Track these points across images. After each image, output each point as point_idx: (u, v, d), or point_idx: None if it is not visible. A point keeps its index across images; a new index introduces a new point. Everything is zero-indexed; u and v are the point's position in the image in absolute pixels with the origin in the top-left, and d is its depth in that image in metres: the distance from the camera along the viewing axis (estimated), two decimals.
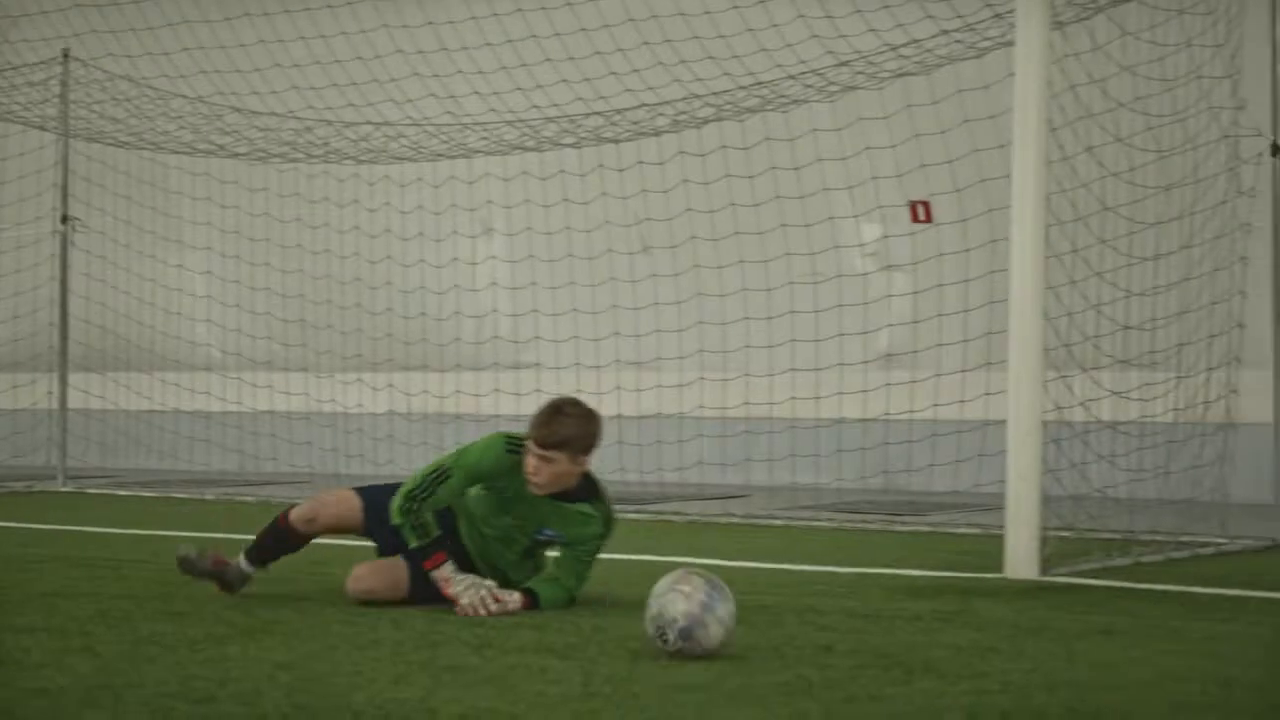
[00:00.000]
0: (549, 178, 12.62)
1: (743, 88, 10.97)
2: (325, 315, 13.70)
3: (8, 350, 15.79)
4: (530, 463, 6.77)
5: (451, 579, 6.84)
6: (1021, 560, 8.13)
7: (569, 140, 11.93)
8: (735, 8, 10.94)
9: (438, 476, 6.83)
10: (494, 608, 6.73)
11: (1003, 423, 8.18)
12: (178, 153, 13.70)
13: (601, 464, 12.14)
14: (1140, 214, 9.71)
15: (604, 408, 12.18)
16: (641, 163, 12.21)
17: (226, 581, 7.18)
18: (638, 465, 12.43)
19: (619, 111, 11.50)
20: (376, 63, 12.30)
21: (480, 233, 13.19)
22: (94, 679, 5.32)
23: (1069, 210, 9.03)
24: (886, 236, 12.03)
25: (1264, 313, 9.76)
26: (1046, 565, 8.16)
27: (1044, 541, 8.19)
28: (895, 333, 11.98)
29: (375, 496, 7.07)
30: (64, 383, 14.22)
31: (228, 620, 6.53)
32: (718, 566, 8.29)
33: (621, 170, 12.32)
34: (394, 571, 7.02)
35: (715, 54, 11.09)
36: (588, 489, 7.03)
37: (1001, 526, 8.21)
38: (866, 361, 11.90)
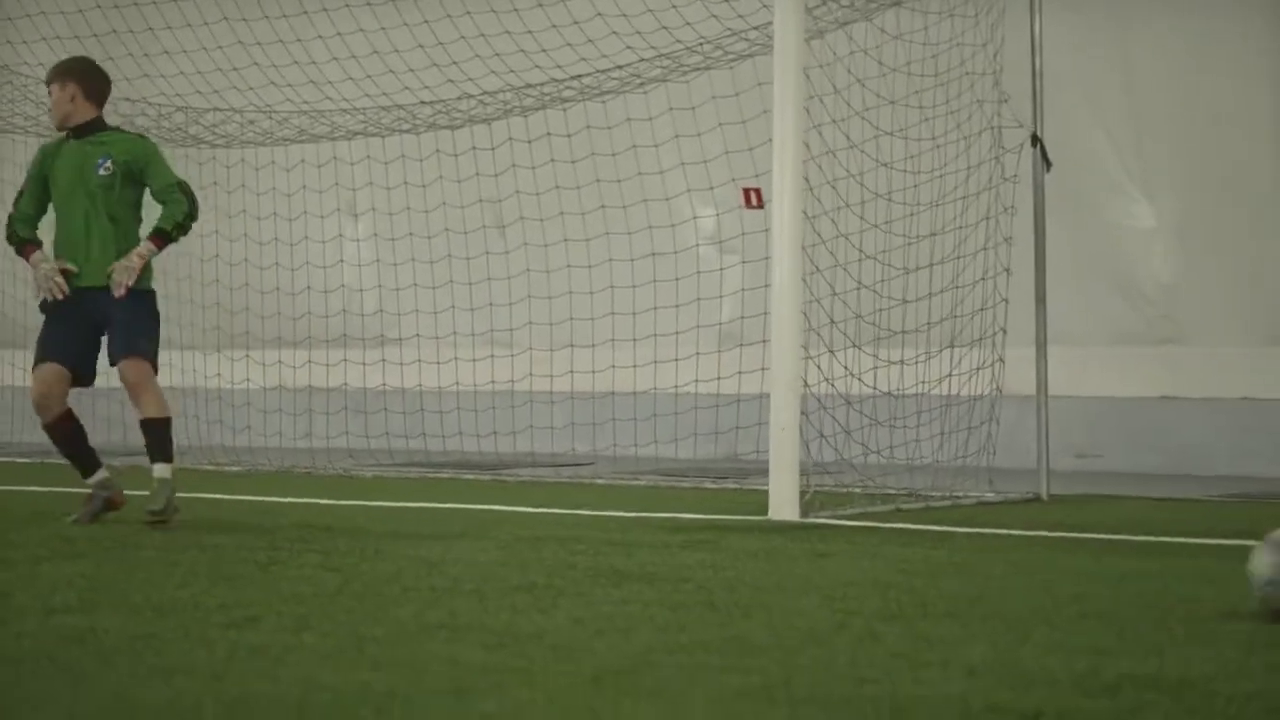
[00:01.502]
0: (391, 161, 13.40)
1: (556, 81, 11.88)
2: (188, 291, 14.37)
3: None
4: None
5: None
6: (782, 504, 9.08)
7: (407, 127, 12.76)
8: (540, 5, 11.81)
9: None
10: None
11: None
12: (44, 136, 14.34)
13: (442, 430, 12.94)
14: (915, 199, 10.67)
15: (446, 378, 13.12)
16: (475, 148, 13.04)
17: (112, 503, 8.89)
18: (474, 432, 13.24)
19: (445, 101, 12.35)
20: (219, 52, 13.06)
21: (331, 212, 13.94)
22: None
23: (837, 198, 10.00)
24: (696, 217, 12.91)
25: (1027, 290, 10.69)
26: (807, 510, 9.11)
27: (806, 489, 9.14)
28: (723, 310, 12.76)
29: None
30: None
31: (49, 548, 7.37)
32: (523, 513, 9.24)
33: (456, 155, 13.14)
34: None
35: (527, 48, 12.00)
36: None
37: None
38: (676, 333, 12.66)
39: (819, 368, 9.71)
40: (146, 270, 8.73)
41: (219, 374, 14.26)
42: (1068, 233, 12.14)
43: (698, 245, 12.94)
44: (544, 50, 11.93)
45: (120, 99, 13.45)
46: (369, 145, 13.37)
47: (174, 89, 13.13)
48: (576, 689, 4.28)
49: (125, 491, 8.99)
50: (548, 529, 8.52)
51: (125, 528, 8.29)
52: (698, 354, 12.50)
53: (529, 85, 12.07)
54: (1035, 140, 10.66)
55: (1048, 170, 10.71)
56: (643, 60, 11.61)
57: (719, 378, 12.30)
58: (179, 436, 14.26)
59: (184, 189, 8.73)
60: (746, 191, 12.73)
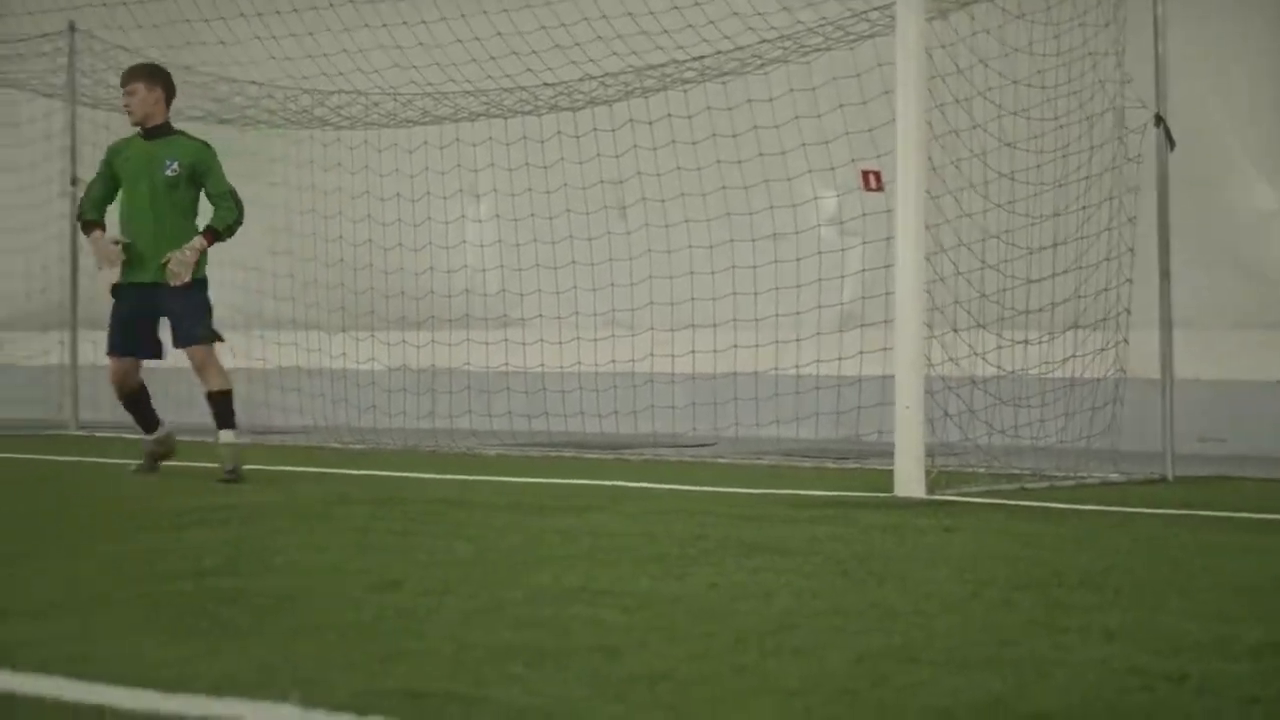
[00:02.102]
0: (513, 143, 13.51)
1: (677, 62, 11.94)
2: (313, 272, 14.59)
3: (21, 305, 16.66)
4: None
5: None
6: (908, 481, 9.10)
7: (529, 109, 12.86)
8: None
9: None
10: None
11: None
12: (173, 120, 14.59)
13: (563, 410, 13.06)
14: (1039, 179, 10.65)
15: (568, 358, 13.22)
16: (596, 130, 13.11)
17: (166, 453, 10.33)
18: (596, 412, 13.33)
19: (567, 83, 12.44)
20: (345, 35, 13.23)
21: (454, 193, 14.07)
22: (60, 549, 6.32)
23: (960, 177, 10.01)
24: (817, 198, 12.92)
25: (1150, 271, 10.64)
26: (932, 487, 9.13)
27: (930, 467, 9.17)
28: (844, 291, 12.79)
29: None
30: (74, 338, 15.15)
31: (192, 516, 7.54)
32: (648, 488, 9.32)
33: (578, 136, 13.23)
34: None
35: (649, 30, 12.08)
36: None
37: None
38: (796, 314, 12.70)
39: (943, 347, 9.73)
40: (201, 260, 9.79)
41: (343, 354, 14.43)
42: (1190, 215, 12.07)
43: (819, 226, 12.96)
44: (665, 31, 12.01)
45: (248, 82, 13.69)
46: (491, 127, 13.48)
47: (301, 72, 13.32)
48: (720, 648, 4.36)
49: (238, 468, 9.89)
50: (674, 503, 8.60)
51: (259, 499, 8.45)
52: (819, 334, 12.53)
53: (650, 67, 12.14)
54: (1159, 121, 10.60)
55: (1171, 150, 10.65)
56: (764, 41, 11.66)
57: (840, 358, 12.32)
58: (306, 416, 14.68)
59: (234, 197, 9.87)
60: (865, 174, 12.71)
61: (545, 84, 12.48)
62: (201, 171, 9.82)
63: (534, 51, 12.45)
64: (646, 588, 5.46)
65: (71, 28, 14.66)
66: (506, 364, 13.74)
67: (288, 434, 14.02)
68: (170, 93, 10.08)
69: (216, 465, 9.86)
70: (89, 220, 9.97)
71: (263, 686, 3.73)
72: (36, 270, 16.19)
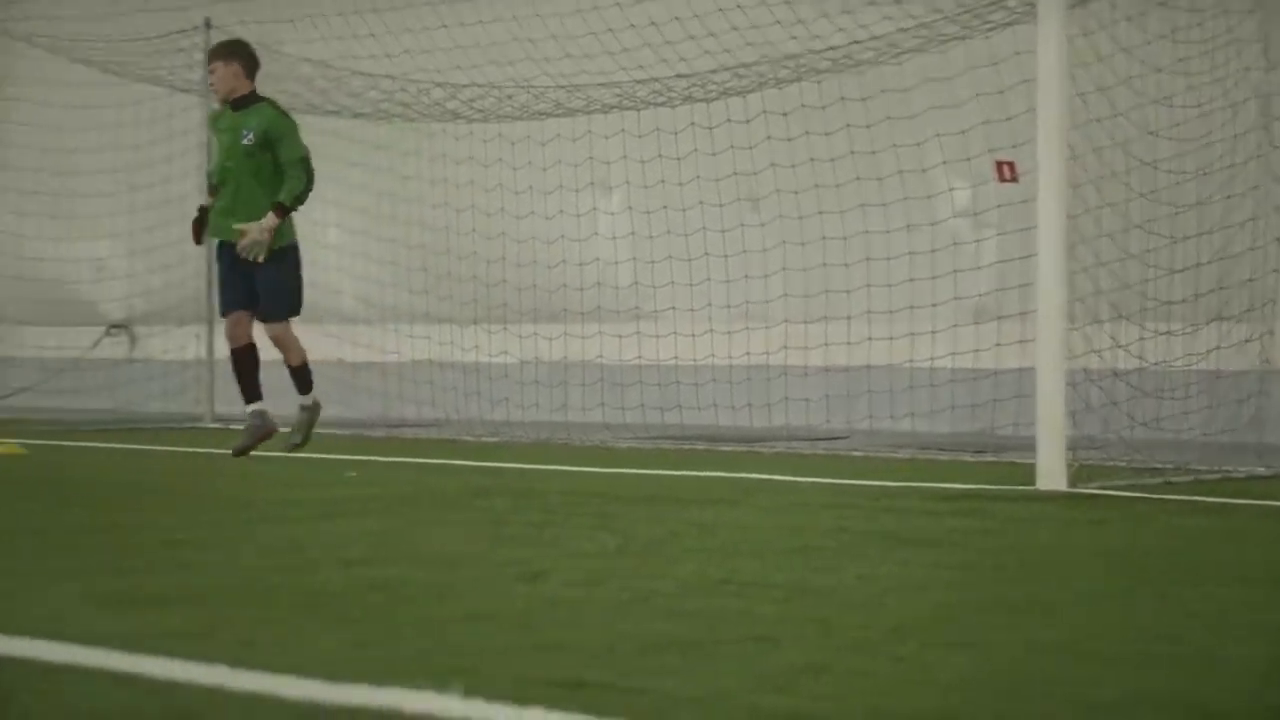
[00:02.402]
0: (646, 135, 13.47)
1: (812, 52, 11.85)
2: (445, 265, 14.63)
3: (159, 300, 16.85)
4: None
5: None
6: (1050, 474, 8.97)
7: (662, 100, 12.81)
8: None
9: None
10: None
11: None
12: (308, 113, 14.69)
13: (697, 403, 13.01)
14: (1181, 167, 10.49)
15: (700, 351, 13.18)
16: (730, 120, 13.05)
17: (269, 431, 10.67)
18: (729, 404, 13.28)
19: (700, 74, 12.38)
20: (479, 28, 13.26)
21: (586, 186, 14.06)
22: (210, 538, 6.36)
23: (1101, 166, 9.87)
24: (952, 189, 12.78)
25: None
26: (1075, 480, 9.00)
27: (1072, 460, 9.04)
28: (979, 283, 12.64)
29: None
30: (211, 331, 15.29)
31: (334, 507, 7.57)
32: (785, 481, 9.26)
33: (711, 128, 13.17)
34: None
35: (783, 19, 12.00)
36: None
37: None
38: (933, 306, 12.58)
39: (1085, 338, 9.60)
40: (288, 227, 10.51)
41: (476, 346, 14.47)
42: None
43: (954, 218, 12.83)
44: (800, 21, 11.94)
45: (382, 76, 13.76)
46: (624, 119, 13.45)
47: (434, 64, 13.36)
48: (878, 640, 4.30)
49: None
50: (813, 496, 8.54)
51: (398, 490, 8.47)
52: (955, 327, 12.41)
53: (785, 57, 12.07)
54: None
55: None
56: (901, 30, 11.55)
57: (976, 351, 12.20)
58: (438, 409, 14.74)
59: (305, 165, 10.34)
60: (999, 164, 12.55)
61: (679, 75, 12.43)
62: (274, 138, 10.35)
63: (668, 42, 12.41)
64: (794, 580, 5.40)
65: (207, 24, 14.79)
66: (639, 357, 13.72)
67: (420, 427, 14.07)
68: (248, 64, 10.61)
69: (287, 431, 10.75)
70: (213, 185, 10.73)
71: (421, 675, 3.72)
72: (173, 265, 16.35)
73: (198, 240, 10.87)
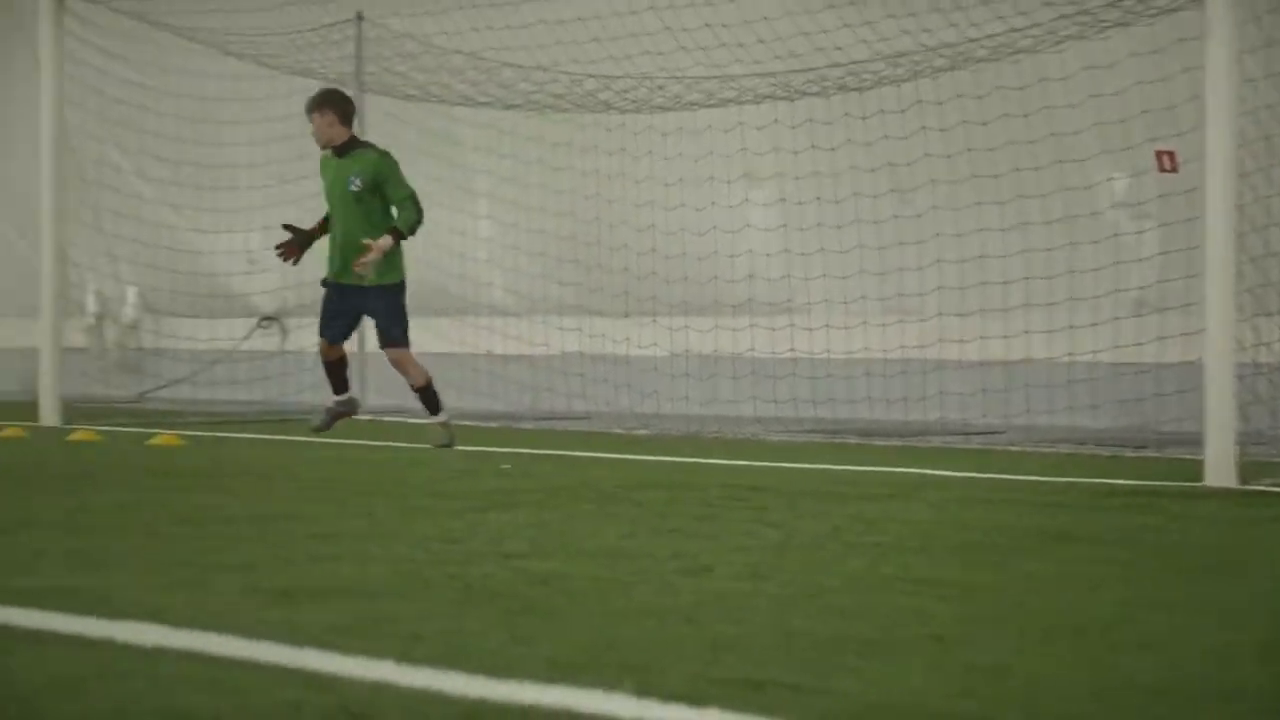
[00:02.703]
0: (798, 125, 13.31)
1: (970, 40, 11.63)
2: (596, 257, 14.56)
3: (310, 292, 16.89)
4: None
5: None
6: (1219, 470, 8.73)
7: (815, 90, 12.64)
8: None
9: None
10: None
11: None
12: (460, 105, 14.66)
13: (850, 396, 12.84)
14: None
15: (854, 344, 13.01)
16: (883, 111, 12.87)
17: (346, 413, 11.42)
18: (883, 398, 13.10)
19: (856, 63, 12.20)
20: (632, 18, 13.16)
21: (738, 177, 13.93)
22: (369, 530, 6.32)
23: (1270, 154, 9.60)
24: (1111, 179, 12.51)
25: None
26: (1245, 477, 8.75)
27: (1240, 453, 8.78)
28: (1140, 275, 12.37)
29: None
30: (363, 324, 15.32)
31: (488, 499, 7.51)
32: (945, 476, 9.09)
33: (865, 118, 12.99)
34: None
35: (942, 6, 11.80)
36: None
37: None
38: (1094, 298, 12.33)
39: (1254, 330, 9.34)
40: (398, 262, 10.92)
41: (627, 339, 14.39)
42: None
43: (1113, 208, 12.56)
44: (959, 8, 11.72)
45: (533, 68, 13.70)
46: (776, 109, 13.30)
47: (587, 55, 13.29)
48: (1060, 641, 4.15)
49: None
50: (973, 491, 8.37)
51: (552, 483, 8.39)
52: (1115, 319, 12.15)
53: (942, 45, 11.86)
54: None
55: None
56: (1061, 17, 11.30)
57: (1138, 344, 11.93)
58: (589, 402, 14.67)
59: (414, 200, 10.83)
60: (1159, 154, 12.29)
61: (834, 64, 12.26)
62: (381, 181, 10.87)
63: (823, 30, 12.24)
64: (964, 577, 5.26)
65: (358, 17, 14.82)
66: (791, 350, 13.57)
67: (570, 420, 14.02)
68: (342, 112, 11.07)
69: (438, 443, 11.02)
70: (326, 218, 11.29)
71: (591, 673, 3.62)
72: (324, 257, 16.39)
73: (295, 260, 11.39)
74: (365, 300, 11.00)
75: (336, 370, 11.42)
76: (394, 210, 10.83)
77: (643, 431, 12.90)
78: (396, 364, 11.17)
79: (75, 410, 13.76)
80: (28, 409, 13.70)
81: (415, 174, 15.96)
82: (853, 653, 3.95)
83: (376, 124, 15.14)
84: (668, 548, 5.87)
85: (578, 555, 5.66)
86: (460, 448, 10.87)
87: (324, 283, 11.25)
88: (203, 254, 17.08)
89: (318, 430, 11.44)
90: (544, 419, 14.17)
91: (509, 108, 14.01)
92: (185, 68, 16.31)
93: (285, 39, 14.78)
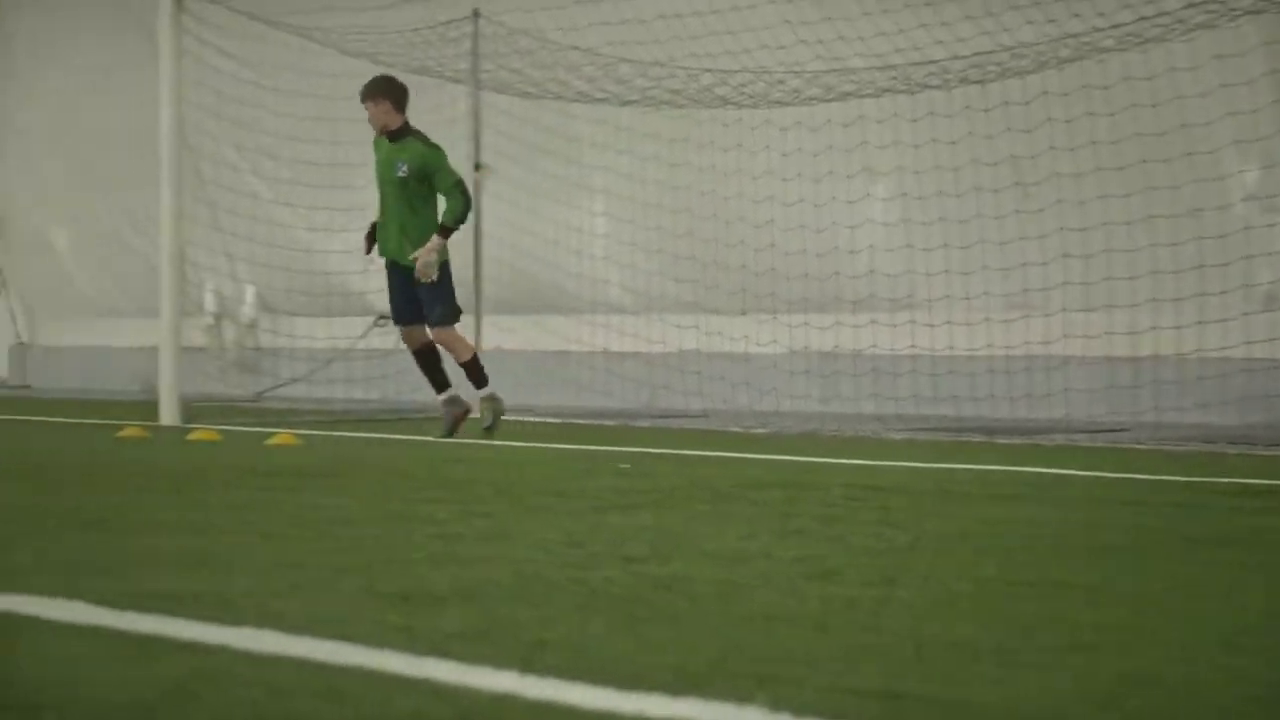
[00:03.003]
0: (919, 119, 13.12)
1: (1096, 30, 11.39)
2: (713, 253, 14.43)
3: None
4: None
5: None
6: None
7: (937, 83, 12.45)
8: None
9: None
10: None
11: None
12: (577, 101, 14.57)
13: (972, 393, 12.65)
14: None
15: (976, 340, 12.80)
16: (1007, 103, 12.65)
17: (463, 412, 11.75)
18: (1006, 395, 12.89)
19: (980, 54, 11.98)
20: (751, 12, 13.02)
21: (857, 172, 13.76)
22: (488, 530, 6.22)
23: None
24: (1242, 171, 12.23)
25: None
26: None
27: None
28: (1271, 269, 12.09)
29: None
30: (479, 322, 15.29)
31: (607, 500, 7.39)
32: (1072, 475, 8.88)
33: (988, 110, 12.78)
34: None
35: None
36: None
37: None
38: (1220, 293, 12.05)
39: None
40: (443, 249, 11.32)
41: (745, 336, 14.26)
42: None
43: (1244, 201, 12.27)
44: None
45: (650, 63, 13.59)
46: (896, 102, 13.11)
47: (704, 50, 13.16)
48: (1207, 650, 3.97)
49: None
50: (1103, 491, 8.18)
51: (670, 483, 8.26)
52: (1245, 315, 11.87)
53: (1067, 35, 11.63)
54: None
55: None
56: (1190, 5, 11.05)
57: (1270, 339, 11.66)
58: (706, 400, 14.55)
59: (461, 189, 11.32)
60: None
61: (956, 57, 12.05)
62: (430, 171, 11.33)
63: (944, 22, 12.05)
64: (1101, 581, 5.08)
65: (475, 14, 14.77)
66: (912, 346, 13.38)
67: (686, 418, 13.90)
68: (396, 99, 11.51)
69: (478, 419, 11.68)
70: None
71: (721, 683, 3.49)
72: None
73: (367, 251, 11.74)
74: (409, 276, 11.38)
75: (428, 362, 11.67)
76: (441, 199, 11.27)
77: (760, 430, 12.76)
78: (441, 342, 11.54)
79: (194, 409, 13.79)
80: (148, 409, 13.75)
81: (531, 171, 15.97)
82: (991, 661, 3.79)
83: (492, 121, 15.11)
84: (791, 550, 5.72)
85: (699, 558, 5.53)
86: (579, 446, 10.77)
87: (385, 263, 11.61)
88: (319, 253, 17.10)
89: (488, 431, 11.70)
90: (661, 417, 14.05)
91: (625, 104, 13.91)
92: (300, 66, 16.33)
93: (401, 37, 14.76)
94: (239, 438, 11.90)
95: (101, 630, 4.15)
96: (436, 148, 11.48)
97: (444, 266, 11.36)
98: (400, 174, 11.34)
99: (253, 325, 18.20)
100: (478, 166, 14.94)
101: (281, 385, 17.06)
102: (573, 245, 15.66)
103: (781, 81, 12.88)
